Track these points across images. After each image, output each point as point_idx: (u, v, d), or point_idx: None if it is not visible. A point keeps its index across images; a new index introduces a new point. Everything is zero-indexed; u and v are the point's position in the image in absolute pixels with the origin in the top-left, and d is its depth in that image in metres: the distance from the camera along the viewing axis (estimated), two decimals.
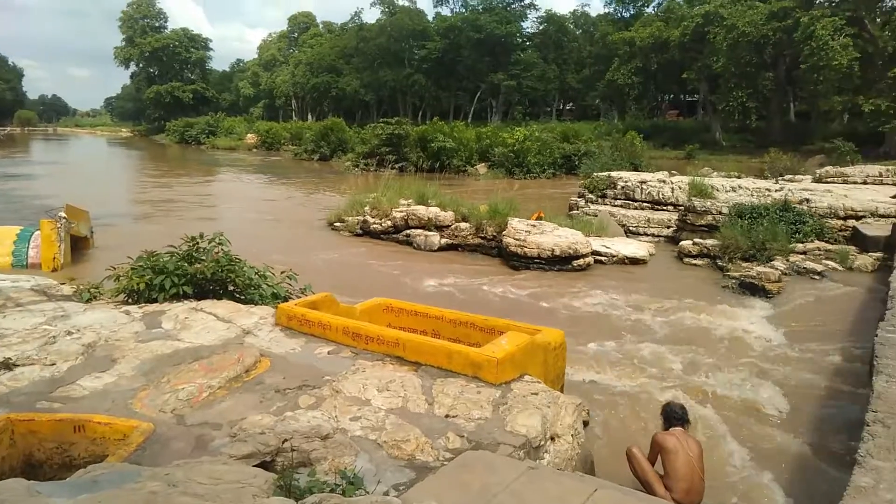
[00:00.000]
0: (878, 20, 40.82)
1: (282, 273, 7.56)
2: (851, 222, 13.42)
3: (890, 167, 21.76)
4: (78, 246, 13.37)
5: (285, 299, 7.14)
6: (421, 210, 14.94)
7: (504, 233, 13.16)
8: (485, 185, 28.35)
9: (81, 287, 7.20)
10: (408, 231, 14.88)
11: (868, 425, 3.55)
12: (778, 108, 51.35)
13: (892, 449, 3.24)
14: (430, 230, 14.57)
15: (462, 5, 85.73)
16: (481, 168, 34.13)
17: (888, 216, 13.30)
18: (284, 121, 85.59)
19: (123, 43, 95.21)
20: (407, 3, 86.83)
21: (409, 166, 34.54)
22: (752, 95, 47.30)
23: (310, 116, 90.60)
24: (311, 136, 49.37)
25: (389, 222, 15.27)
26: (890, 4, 41.57)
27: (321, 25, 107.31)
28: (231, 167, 43.50)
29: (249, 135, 67.56)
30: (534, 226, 13.31)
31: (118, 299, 6.86)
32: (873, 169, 20.05)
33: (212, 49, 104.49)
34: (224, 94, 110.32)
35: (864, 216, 13.52)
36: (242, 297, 7.06)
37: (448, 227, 14.57)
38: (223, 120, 78.14)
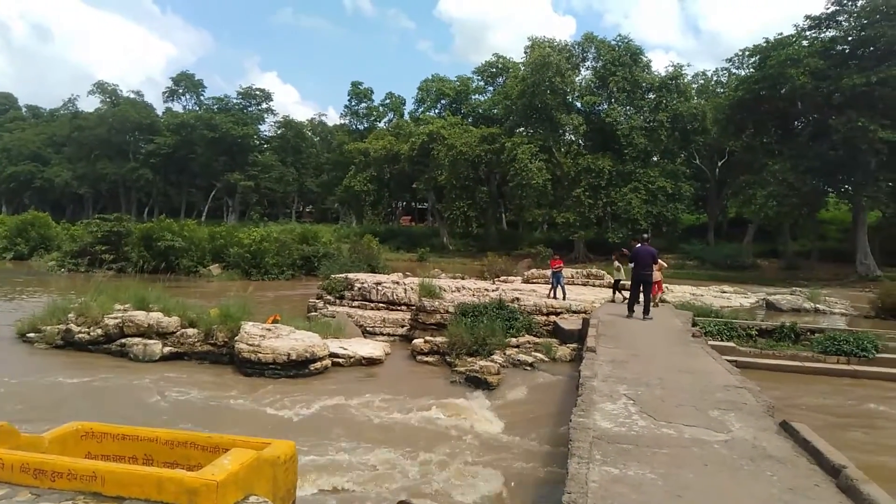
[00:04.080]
0: (562, 149, 49.85)
1: None
2: (553, 318, 15.49)
3: (578, 269, 25.95)
4: None
5: None
6: (140, 316, 13.43)
7: (237, 338, 12.40)
8: (218, 286, 26.82)
9: None
10: (123, 340, 13.15)
11: None
12: (493, 218, 58.65)
13: None
14: (150, 338, 13.09)
15: (195, 103, 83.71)
16: (215, 269, 32.32)
17: (580, 312, 15.64)
18: None
19: None
20: (133, 95, 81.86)
21: (130, 267, 31.32)
22: (471, 206, 53.49)
23: (4, 208, 77.93)
24: (5, 232, 42.25)
25: (100, 331, 13.38)
26: (570, 138, 51.13)
27: (24, 109, 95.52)
28: None
29: None
30: (269, 330, 12.82)
31: None
32: (567, 271, 23.59)
33: None
34: None
35: (561, 312, 15.72)
36: None
37: (173, 333, 13.27)
38: None
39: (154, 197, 78.06)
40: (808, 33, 39.46)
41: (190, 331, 13.27)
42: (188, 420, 8.66)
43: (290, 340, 12.34)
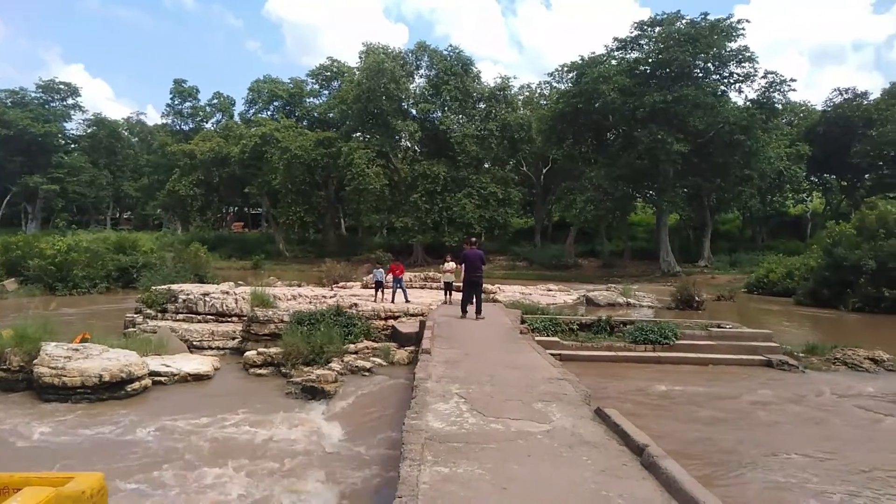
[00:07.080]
0: (399, 155, 50.52)
1: None
2: (391, 322, 15.54)
3: (418, 273, 26.44)
4: None
5: None
6: None
7: (36, 361, 10.96)
8: (15, 303, 23.64)
9: None
10: None
11: None
12: (332, 223, 57.83)
13: None
14: None
15: None
16: (10, 284, 28.40)
17: (417, 315, 15.86)
18: None
19: None
20: None
21: None
22: (308, 211, 52.37)
23: None
24: None
25: None
26: (406, 144, 51.99)
27: None
28: None
29: None
30: (77, 350, 11.49)
31: None
32: (405, 275, 23.86)
33: None
34: None
35: (399, 316, 15.83)
36: None
37: None
38: None
39: None
40: (616, 53, 43.67)
41: None
42: None
43: (103, 360, 11.15)
